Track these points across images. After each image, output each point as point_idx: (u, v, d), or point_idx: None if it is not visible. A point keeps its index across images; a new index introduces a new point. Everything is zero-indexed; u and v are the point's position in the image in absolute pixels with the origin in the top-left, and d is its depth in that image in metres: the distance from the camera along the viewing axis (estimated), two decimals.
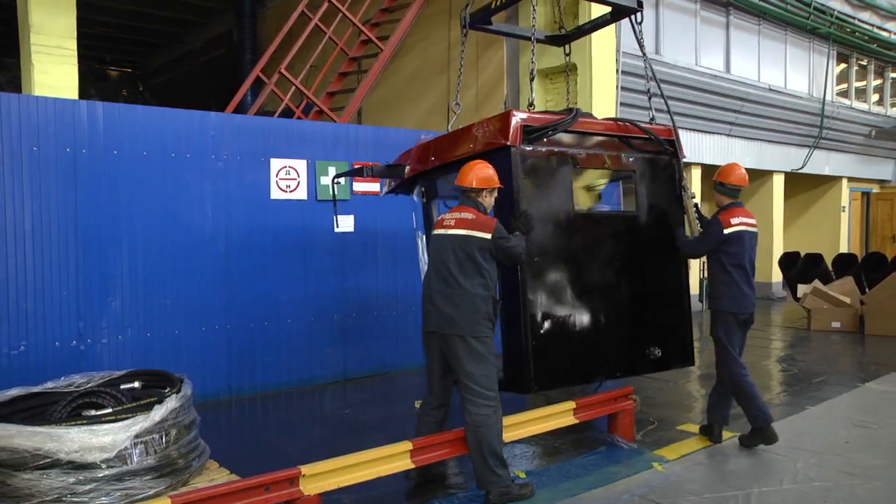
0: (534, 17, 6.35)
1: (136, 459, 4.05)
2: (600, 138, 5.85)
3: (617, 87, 10.82)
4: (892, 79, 18.12)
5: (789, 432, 6.06)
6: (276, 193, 7.55)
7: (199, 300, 7.07)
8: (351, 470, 4.28)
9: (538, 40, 6.74)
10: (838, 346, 10.30)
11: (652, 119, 6.38)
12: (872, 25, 16.51)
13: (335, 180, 6.75)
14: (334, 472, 4.20)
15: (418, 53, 13.15)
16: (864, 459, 5.49)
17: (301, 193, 7.70)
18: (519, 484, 4.73)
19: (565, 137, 5.61)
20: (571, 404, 5.42)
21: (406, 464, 4.50)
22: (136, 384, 4.84)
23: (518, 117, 5.32)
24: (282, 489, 3.97)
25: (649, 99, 6.54)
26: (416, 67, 13.30)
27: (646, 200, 6.01)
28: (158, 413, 4.19)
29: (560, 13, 8.23)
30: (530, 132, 5.32)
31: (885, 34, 16.87)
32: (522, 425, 5.12)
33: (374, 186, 8.09)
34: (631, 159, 5.98)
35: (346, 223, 7.96)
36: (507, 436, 4.95)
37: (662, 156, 6.16)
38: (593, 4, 8.91)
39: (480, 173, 4.95)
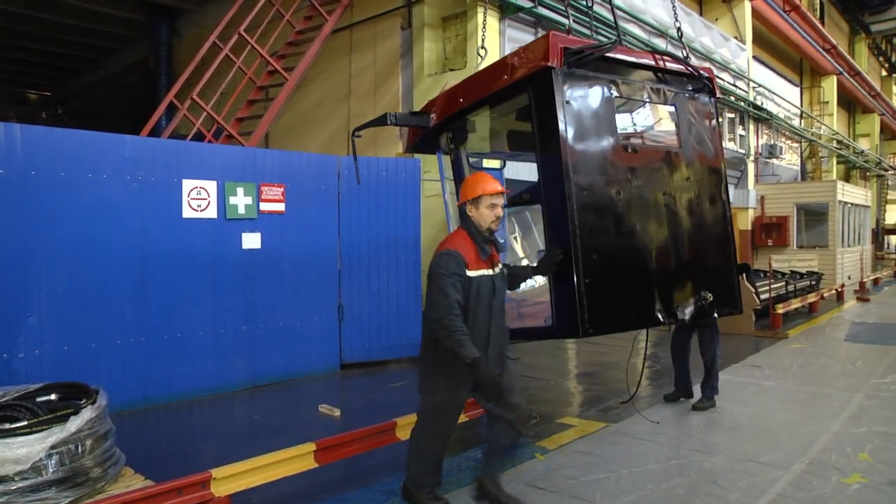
0: None
1: (51, 470, 3.86)
2: (641, 70, 5.20)
3: None
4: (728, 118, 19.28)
5: (654, 420, 6.35)
6: (187, 212, 7.34)
7: (115, 314, 6.80)
8: (259, 471, 4.23)
9: None
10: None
11: (687, 57, 5.76)
12: None
13: (355, 134, 5.88)
14: (243, 473, 4.15)
15: (321, 84, 13.13)
16: (710, 438, 5.87)
17: (211, 212, 7.51)
18: (430, 496, 4.39)
19: (606, 65, 4.91)
20: None
21: (310, 463, 4.47)
22: (53, 396, 4.61)
23: (559, 38, 4.65)
24: (194, 492, 3.89)
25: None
26: (320, 97, 13.27)
27: (688, 137, 5.37)
28: (74, 424, 4.02)
29: None
30: (572, 55, 4.62)
31: None
32: None
33: (279, 206, 8.00)
34: (672, 94, 5.33)
35: (253, 241, 7.82)
36: (403, 434, 5.00)
37: (701, 94, 5.55)
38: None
39: (463, 187, 4.30)
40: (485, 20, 7.90)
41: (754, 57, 20.84)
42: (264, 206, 7.91)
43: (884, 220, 34.30)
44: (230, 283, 7.67)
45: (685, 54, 5.77)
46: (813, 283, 15.81)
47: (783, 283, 13.87)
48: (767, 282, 12.51)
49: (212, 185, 7.53)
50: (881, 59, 35.38)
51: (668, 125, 5.54)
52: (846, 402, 6.92)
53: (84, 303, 6.61)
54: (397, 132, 11.70)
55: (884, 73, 36.79)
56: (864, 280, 19.19)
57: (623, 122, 5.35)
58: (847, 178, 29.72)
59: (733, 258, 5.57)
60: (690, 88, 5.51)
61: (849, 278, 19.68)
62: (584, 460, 5.36)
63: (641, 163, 5.03)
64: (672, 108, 5.37)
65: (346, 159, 8.91)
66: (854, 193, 21.77)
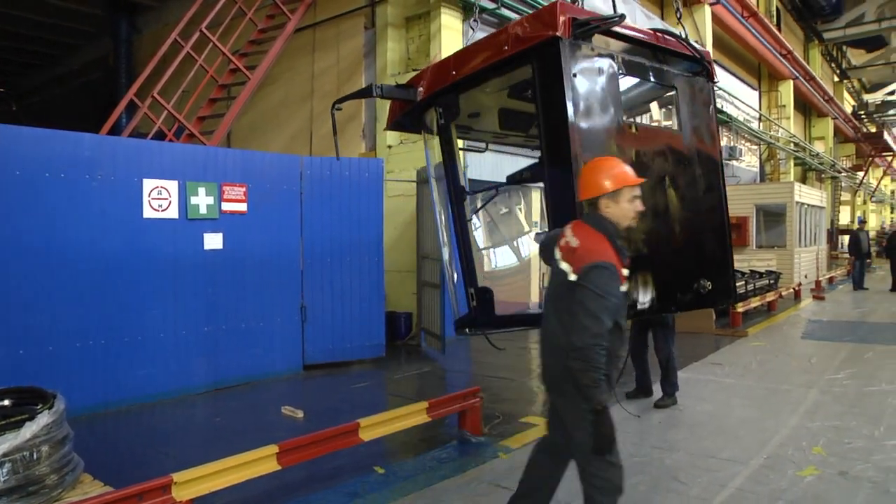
0: None
1: (2, 479, 3.74)
2: (643, 47, 4.90)
3: None
4: None
5: (616, 419, 6.35)
6: (148, 212, 7.22)
7: (74, 317, 6.66)
8: (221, 475, 4.16)
9: None
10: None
11: (686, 38, 5.40)
12: None
13: (335, 107, 5.54)
14: (205, 477, 4.07)
15: (283, 83, 13.06)
16: (671, 435, 5.93)
17: (172, 212, 7.40)
18: None
19: (611, 42, 4.62)
20: (424, 404, 5.47)
21: (273, 466, 4.41)
22: (6, 402, 4.48)
23: (566, 7, 4.30)
24: (155, 497, 3.81)
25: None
26: (282, 96, 13.19)
27: (688, 121, 5.08)
28: (29, 430, 3.91)
29: None
30: (579, 26, 4.27)
31: None
32: (380, 425, 5.12)
33: (241, 206, 7.92)
34: (673, 74, 5.05)
35: (214, 241, 7.72)
36: (366, 435, 4.97)
37: (699, 77, 5.27)
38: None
39: (593, 175, 3.40)
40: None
41: (714, 61, 21.18)
42: (226, 206, 7.82)
43: (838, 220, 35.15)
44: (191, 284, 7.56)
45: (684, 34, 5.47)
46: (771, 282, 16.10)
47: (743, 283, 14.10)
48: None
49: (173, 185, 7.42)
50: (833, 65, 36.25)
51: (669, 107, 5.40)
52: (802, 398, 7.07)
53: (41, 305, 6.45)
54: (360, 132, 11.67)
55: (835, 78, 37.70)
56: (820, 279, 19.61)
57: (626, 100, 5.12)
58: (804, 179, 30.38)
59: (729, 246, 5.40)
60: (689, 71, 5.32)
61: (805, 277, 20.11)
62: None
63: (643, 144, 4.79)
64: (673, 90, 5.18)
65: (308, 159, 8.86)
66: (810, 195, 22.24)
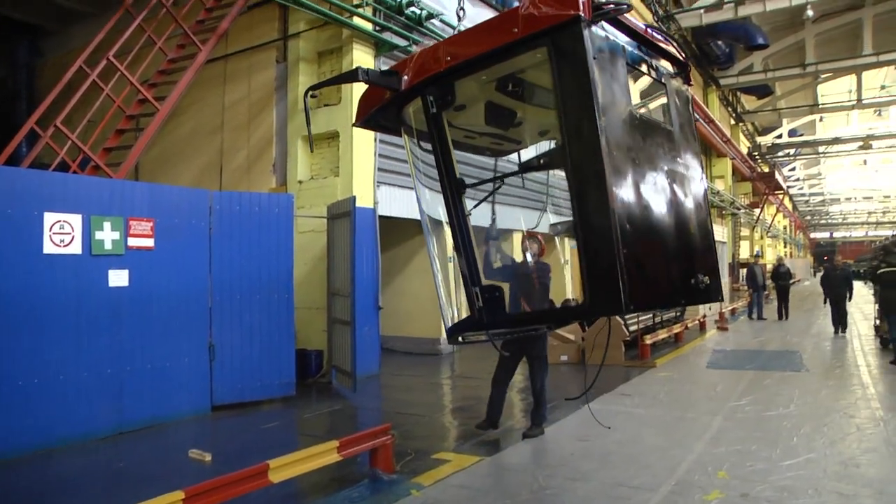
0: None
1: None
2: (638, 41, 4.78)
3: (375, 154, 11.16)
4: None
5: (528, 452, 6.47)
6: (49, 248, 6.90)
7: None
8: None
9: None
10: (566, 375, 11.14)
11: (672, 38, 5.35)
12: None
13: (310, 94, 5.10)
14: None
15: (193, 115, 12.83)
16: (583, 466, 6.03)
17: (75, 248, 7.09)
18: None
19: (616, 31, 4.48)
20: (335, 443, 5.38)
21: None
22: None
23: None
24: None
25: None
26: (192, 128, 12.96)
27: (677, 119, 5.05)
28: None
29: None
30: (598, 8, 4.04)
31: None
32: (291, 466, 4.99)
33: (148, 242, 7.67)
34: (663, 72, 5.02)
35: (119, 278, 7.43)
36: (276, 476, 4.83)
37: (680, 78, 5.23)
38: None
39: None
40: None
41: None
42: (132, 242, 7.56)
43: (738, 254, 36.89)
44: (95, 324, 7.23)
45: (668, 31, 5.37)
46: (678, 314, 16.67)
47: (650, 315, 14.56)
48: (636, 314, 13.09)
49: (76, 219, 7.12)
50: (729, 109, 38.30)
51: (659, 103, 5.26)
52: (708, 425, 7.33)
53: None
54: (271, 167, 11.59)
55: (732, 121, 39.84)
56: (723, 311, 20.45)
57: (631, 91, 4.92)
58: None
59: (714, 248, 5.34)
60: (672, 71, 5.26)
61: (710, 309, 20.91)
62: (461, 494, 5.37)
63: (650, 135, 4.69)
64: (663, 87, 5.09)
65: (217, 193, 8.71)
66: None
